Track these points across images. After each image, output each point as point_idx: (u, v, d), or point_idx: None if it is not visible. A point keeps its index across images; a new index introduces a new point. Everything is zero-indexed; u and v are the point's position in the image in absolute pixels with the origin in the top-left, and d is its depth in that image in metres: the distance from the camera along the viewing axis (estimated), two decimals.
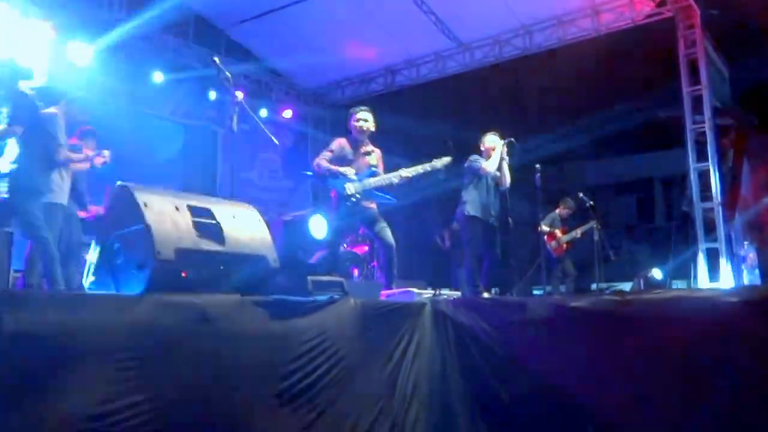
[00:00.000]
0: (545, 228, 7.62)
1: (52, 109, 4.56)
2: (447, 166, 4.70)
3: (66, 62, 7.15)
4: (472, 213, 5.36)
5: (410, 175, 4.65)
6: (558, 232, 7.93)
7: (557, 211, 8.12)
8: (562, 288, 7.63)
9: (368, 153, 4.84)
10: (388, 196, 4.77)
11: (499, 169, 5.51)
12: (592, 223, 7.47)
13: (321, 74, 10.49)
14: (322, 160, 4.68)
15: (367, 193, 4.65)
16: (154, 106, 9.10)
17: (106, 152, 5.07)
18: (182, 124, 9.81)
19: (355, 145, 4.84)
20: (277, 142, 4.19)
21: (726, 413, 2.45)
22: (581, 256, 7.86)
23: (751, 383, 2.41)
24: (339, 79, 10.74)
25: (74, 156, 4.61)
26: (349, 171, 4.61)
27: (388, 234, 4.61)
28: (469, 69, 9.36)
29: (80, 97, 5.00)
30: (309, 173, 4.87)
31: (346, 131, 4.92)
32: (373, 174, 4.73)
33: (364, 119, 4.84)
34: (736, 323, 2.48)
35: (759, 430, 2.39)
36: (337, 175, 4.61)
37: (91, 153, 5.04)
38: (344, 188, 4.58)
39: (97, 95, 7.67)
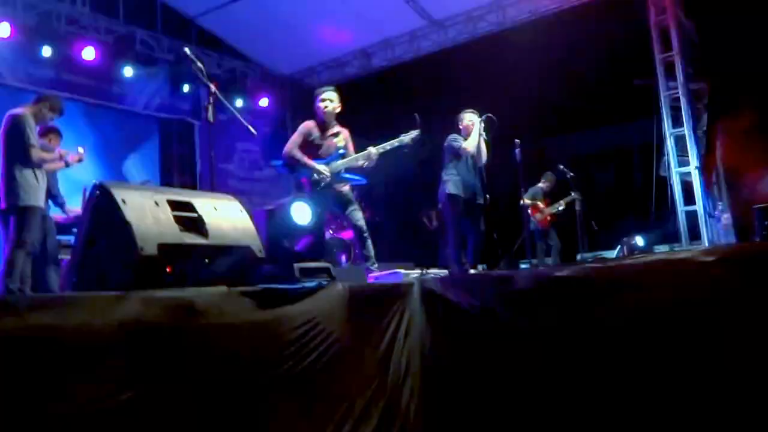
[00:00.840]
0: (527, 201, 7.63)
1: (24, 109, 4.47)
2: (415, 140, 4.72)
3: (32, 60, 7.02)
4: (453, 192, 5.43)
5: (378, 153, 4.63)
6: (541, 205, 7.99)
7: (540, 185, 8.20)
8: (548, 260, 7.71)
9: (336, 134, 4.81)
10: (357, 177, 4.76)
11: (477, 146, 5.55)
12: (575, 195, 7.53)
13: (295, 60, 10.43)
14: (293, 148, 4.64)
15: (338, 176, 4.59)
16: (126, 102, 8.97)
17: (80, 149, 4.99)
18: (156, 119, 9.68)
19: (323, 127, 4.82)
20: (254, 132, 4.16)
21: (704, 373, 2.49)
22: (565, 228, 7.94)
23: (727, 340, 2.45)
24: (314, 64, 10.67)
25: (47, 156, 4.53)
26: (320, 167, 4.55)
27: (358, 215, 4.58)
28: (444, 48, 9.34)
29: (50, 96, 4.91)
30: (277, 163, 4.76)
31: (312, 114, 4.90)
32: (342, 155, 4.72)
33: (330, 99, 4.80)
34: (712, 282, 2.52)
35: (736, 390, 2.44)
36: (306, 165, 4.56)
37: (64, 152, 4.95)
38: (313, 174, 4.51)
39: (65, 93, 7.55)
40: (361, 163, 4.64)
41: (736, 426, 2.38)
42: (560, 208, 8.06)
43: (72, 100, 7.84)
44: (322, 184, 4.44)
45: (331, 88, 5.00)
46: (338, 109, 4.88)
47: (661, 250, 7.39)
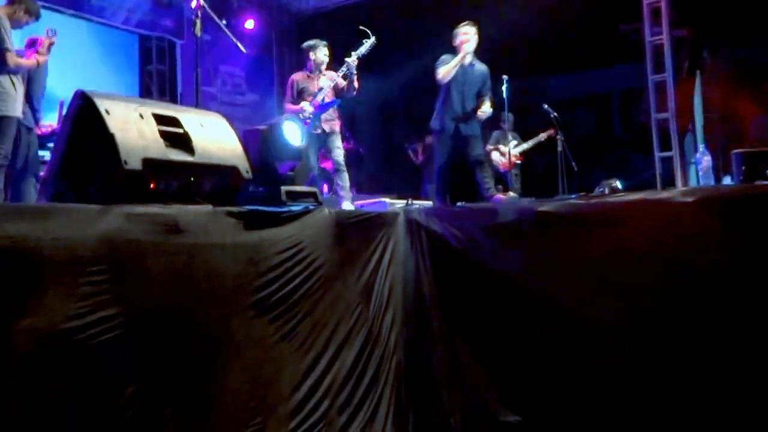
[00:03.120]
0: (489, 146, 7.44)
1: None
2: (372, 47, 5.05)
3: None
4: (436, 126, 5.16)
5: (341, 74, 5.04)
6: (503, 148, 7.64)
7: (503, 127, 7.73)
8: None
9: (320, 77, 5.22)
10: (332, 101, 5.18)
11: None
12: (542, 135, 7.36)
13: None
14: (287, 104, 5.18)
15: (316, 114, 5.08)
16: (104, 15, 8.45)
17: (51, 33, 4.44)
18: (136, 35, 9.19)
19: (310, 76, 5.24)
20: (244, 50, 3.94)
21: (681, 313, 2.50)
22: (544, 168, 7.84)
23: (704, 282, 2.46)
24: None
25: (24, 62, 4.17)
26: (298, 107, 5.05)
27: (336, 148, 5.20)
28: None
29: None
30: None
31: (306, 60, 5.32)
32: (320, 93, 5.15)
33: (325, 54, 5.26)
34: (691, 221, 2.51)
35: (710, 332, 2.46)
36: (295, 114, 4.95)
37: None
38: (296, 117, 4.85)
39: (40, 2, 7.07)
40: (340, 80, 5.07)
41: (711, 361, 2.41)
42: (524, 148, 7.67)
43: (47, 8, 7.34)
44: (308, 123, 4.90)
45: (324, 43, 5.33)
46: (326, 62, 5.27)
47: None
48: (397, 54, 8.71)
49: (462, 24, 5.16)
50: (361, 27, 5.11)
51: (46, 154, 4.71)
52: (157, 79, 9.41)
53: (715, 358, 2.43)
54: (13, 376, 1.61)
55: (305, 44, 5.39)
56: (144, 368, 1.89)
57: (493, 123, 7.62)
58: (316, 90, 5.15)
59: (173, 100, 9.35)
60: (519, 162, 7.69)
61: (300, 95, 5.21)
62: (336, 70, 5.23)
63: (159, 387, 1.92)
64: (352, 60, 4.95)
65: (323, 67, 5.27)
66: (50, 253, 1.73)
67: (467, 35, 5.09)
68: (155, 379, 1.91)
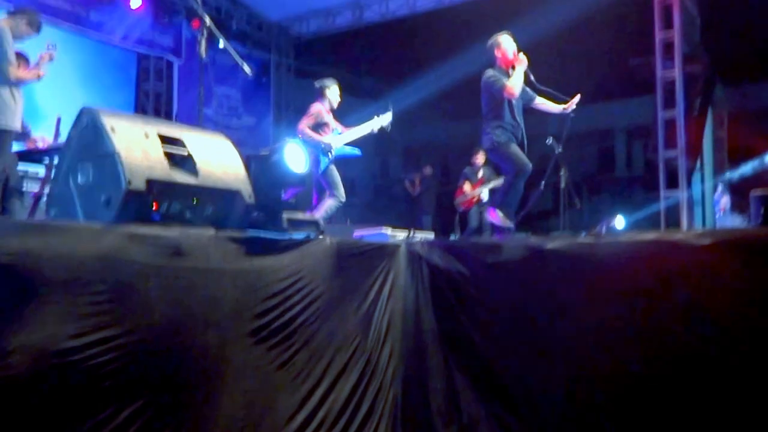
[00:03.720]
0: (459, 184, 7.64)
1: (1, 22, 4.19)
2: (390, 124, 5.69)
3: None
4: (502, 138, 4.77)
5: (360, 135, 5.63)
6: (466, 187, 7.72)
7: (473, 159, 7.82)
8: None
9: (334, 117, 5.75)
10: (353, 150, 5.71)
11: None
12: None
13: (284, 5, 10.11)
14: (305, 127, 5.58)
15: (337, 155, 5.60)
16: (103, 31, 8.60)
17: (51, 47, 4.48)
18: (134, 53, 9.35)
19: (329, 111, 5.75)
20: (249, 72, 4.04)
21: (695, 355, 2.53)
22: (546, 203, 7.90)
23: (720, 325, 2.49)
24: (303, 12, 10.37)
25: (25, 75, 4.23)
26: (329, 140, 5.55)
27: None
28: (442, 6, 9.15)
29: (28, 9, 4.60)
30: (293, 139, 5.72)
31: (320, 97, 5.79)
32: (339, 134, 5.67)
33: (338, 95, 5.79)
34: (706, 266, 2.54)
35: (724, 372, 2.48)
36: (318, 143, 5.48)
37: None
38: (322, 150, 5.51)
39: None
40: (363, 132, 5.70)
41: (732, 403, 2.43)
42: (487, 189, 7.50)
43: (46, 22, 7.48)
44: (330, 156, 5.51)
45: (336, 83, 5.84)
46: (338, 101, 5.84)
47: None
48: (396, 83, 8.88)
49: (500, 34, 4.93)
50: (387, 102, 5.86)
51: (40, 170, 4.75)
52: (153, 98, 9.54)
53: (734, 403, 2.43)
54: (9, 393, 1.64)
55: (321, 83, 5.82)
56: (141, 390, 1.92)
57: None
58: (333, 128, 5.70)
59: (168, 120, 9.47)
60: (476, 202, 7.71)
61: (320, 127, 5.67)
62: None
63: (155, 409, 1.95)
64: (373, 127, 5.68)
65: (335, 105, 5.83)
66: (50, 271, 1.78)
67: (512, 43, 4.88)
68: (152, 401, 1.94)
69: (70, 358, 1.76)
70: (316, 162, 5.45)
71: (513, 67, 4.77)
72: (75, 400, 1.75)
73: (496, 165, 5.29)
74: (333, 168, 5.64)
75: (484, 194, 7.56)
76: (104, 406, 1.81)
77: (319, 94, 5.79)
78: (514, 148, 4.78)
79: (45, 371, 1.71)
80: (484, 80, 4.83)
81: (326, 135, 5.61)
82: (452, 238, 7.12)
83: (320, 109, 5.70)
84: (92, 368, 1.79)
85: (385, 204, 9.37)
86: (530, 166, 4.80)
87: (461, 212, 7.70)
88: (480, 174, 7.75)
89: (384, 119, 5.69)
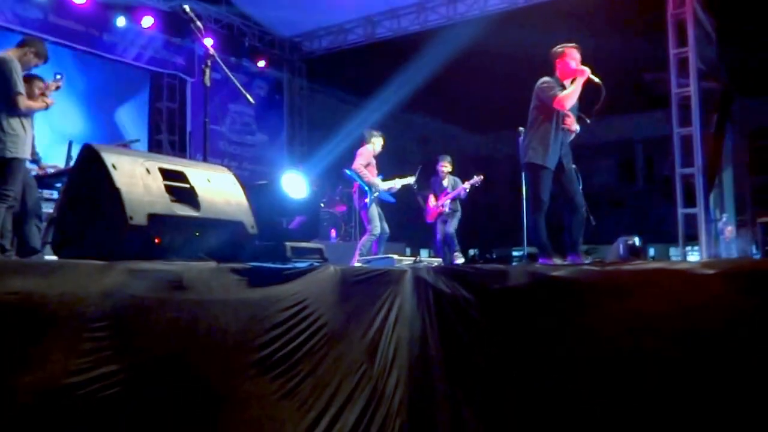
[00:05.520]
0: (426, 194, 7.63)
1: (9, 52, 4.33)
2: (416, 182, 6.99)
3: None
4: (538, 161, 4.52)
5: (397, 185, 6.79)
6: (431, 198, 7.66)
7: (438, 167, 7.67)
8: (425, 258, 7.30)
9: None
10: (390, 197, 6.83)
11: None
12: (467, 183, 7.40)
13: (297, 22, 10.26)
14: (360, 166, 6.54)
15: (381, 196, 6.64)
16: (116, 52, 8.79)
17: (57, 76, 4.64)
18: (147, 71, 9.53)
19: (375, 156, 6.74)
20: (252, 101, 4.11)
21: (700, 386, 2.52)
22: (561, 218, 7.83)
23: (725, 356, 2.48)
24: (315, 28, 10.51)
25: (35, 105, 4.37)
26: (379, 183, 6.58)
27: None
28: (453, 22, 9.23)
29: (36, 39, 4.74)
30: (348, 171, 6.80)
31: (368, 142, 6.73)
32: (382, 178, 6.71)
33: (382, 146, 6.74)
34: (712, 295, 2.54)
35: (732, 404, 2.47)
36: (369, 182, 6.51)
37: (42, 86, 4.58)
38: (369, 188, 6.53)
39: (53, 37, 7.37)
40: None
41: None
42: (448, 200, 7.43)
43: (60, 45, 7.69)
44: (376, 194, 6.50)
45: (382, 135, 6.79)
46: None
47: (657, 250, 7.39)
48: (410, 98, 8.95)
49: (566, 46, 4.71)
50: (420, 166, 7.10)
51: (53, 194, 4.89)
52: (166, 116, 9.70)
53: (738, 428, 2.42)
54: (15, 430, 1.69)
55: (370, 132, 6.76)
56: (144, 424, 1.96)
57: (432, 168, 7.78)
58: (377, 172, 6.68)
59: (182, 137, 9.62)
60: (447, 210, 7.61)
61: (367, 167, 6.59)
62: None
63: None
64: (408, 182, 6.96)
65: (378, 152, 6.76)
66: (54, 309, 1.83)
67: (577, 55, 4.67)
68: None
69: (73, 393, 1.80)
70: (362, 196, 6.52)
71: (573, 81, 4.57)
72: None
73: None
74: (375, 205, 6.50)
75: (447, 205, 7.58)
76: None
77: (367, 140, 6.71)
78: (545, 177, 4.53)
79: (49, 408, 1.76)
80: (538, 86, 4.63)
81: (373, 176, 6.57)
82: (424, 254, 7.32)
83: (370, 152, 6.64)
84: (95, 403, 1.84)
85: (399, 220, 9.38)
86: (547, 203, 4.57)
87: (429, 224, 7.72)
88: (445, 183, 7.67)
89: (413, 179, 6.95)
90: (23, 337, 1.76)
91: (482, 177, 7.42)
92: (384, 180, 6.74)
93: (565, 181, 4.64)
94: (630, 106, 11.00)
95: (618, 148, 11.66)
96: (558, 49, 4.73)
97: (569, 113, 4.64)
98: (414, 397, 3.11)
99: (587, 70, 4.55)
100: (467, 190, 7.47)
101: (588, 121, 4.73)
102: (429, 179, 7.78)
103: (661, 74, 7.95)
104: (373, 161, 6.70)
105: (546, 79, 4.62)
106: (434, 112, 9.38)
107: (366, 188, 6.50)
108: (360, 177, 6.54)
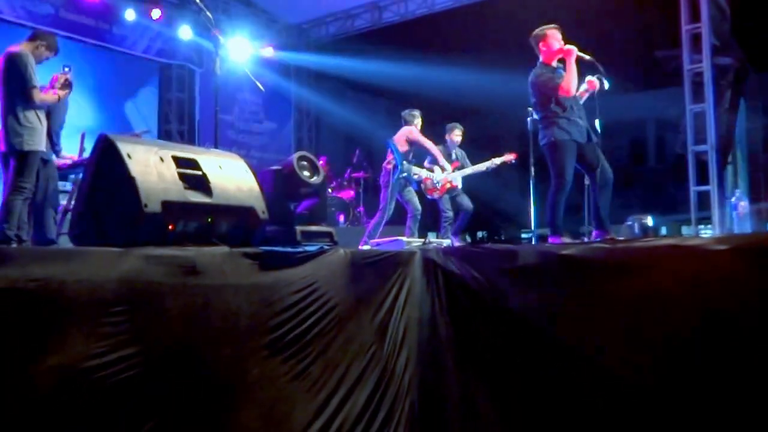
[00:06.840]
0: (427, 166, 6.71)
1: (22, 46, 4.42)
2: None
3: None
4: (563, 137, 4.48)
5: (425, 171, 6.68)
6: (425, 173, 6.68)
7: (447, 136, 6.83)
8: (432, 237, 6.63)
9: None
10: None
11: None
12: (495, 160, 6.62)
13: (303, 9, 10.28)
14: (425, 140, 6.48)
15: (410, 177, 6.49)
16: (126, 44, 8.89)
17: (66, 69, 4.70)
18: (157, 63, 9.62)
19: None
20: (262, 88, 4.18)
21: (712, 362, 2.55)
22: (572, 198, 7.83)
23: (737, 332, 2.51)
24: (322, 15, 10.52)
25: (49, 98, 4.47)
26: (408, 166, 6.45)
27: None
28: (460, 4, 9.20)
29: (47, 33, 4.83)
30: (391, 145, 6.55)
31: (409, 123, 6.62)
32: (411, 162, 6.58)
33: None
34: (724, 271, 2.55)
35: (745, 381, 2.49)
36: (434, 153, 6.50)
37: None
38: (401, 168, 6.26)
39: (64, 32, 7.47)
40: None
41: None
42: (467, 173, 6.66)
43: (71, 39, 7.79)
44: (404, 174, 6.34)
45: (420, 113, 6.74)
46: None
47: (670, 228, 7.36)
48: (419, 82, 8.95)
49: (547, 28, 4.67)
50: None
51: (67, 185, 5.01)
52: (176, 106, 9.80)
53: (753, 408, 2.44)
54: (35, 413, 1.78)
55: (410, 114, 6.63)
56: (160, 405, 2.05)
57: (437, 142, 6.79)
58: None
59: (191, 127, 9.72)
60: (452, 187, 6.70)
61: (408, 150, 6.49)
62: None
63: (175, 423, 2.07)
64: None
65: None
66: (73, 295, 1.92)
67: (558, 36, 4.64)
68: (171, 416, 2.07)
69: (92, 376, 1.89)
70: (394, 172, 6.25)
71: (561, 61, 4.55)
72: (97, 417, 1.89)
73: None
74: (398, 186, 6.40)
75: (458, 180, 6.63)
76: (126, 422, 1.95)
77: (409, 122, 6.59)
78: (569, 154, 4.52)
79: (70, 390, 1.85)
80: (535, 80, 4.61)
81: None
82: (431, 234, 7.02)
83: (415, 132, 6.51)
84: (113, 386, 1.93)
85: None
86: (570, 183, 4.57)
87: (431, 200, 6.73)
88: (453, 155, 6.77)
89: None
90: (44, 322, 1.85)
91: (516, 155, 6.66)
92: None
93: (592, 155, 4.66)
94: (642, 85, 10.94)
95: (629, 128, 11.60)
96: (539, 31, 4.69)
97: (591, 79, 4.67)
98: (424, 377, 3.18)
99: (574, 48, 4.52)
100: (494, 166, 6.68)
101: (602, 70, 4.68)
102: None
103: (674, 51, 7.89)
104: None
105: (537, 71, 4.63)
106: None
107: (399, 163, 6.14)
108: (398, 151, 6.25)
